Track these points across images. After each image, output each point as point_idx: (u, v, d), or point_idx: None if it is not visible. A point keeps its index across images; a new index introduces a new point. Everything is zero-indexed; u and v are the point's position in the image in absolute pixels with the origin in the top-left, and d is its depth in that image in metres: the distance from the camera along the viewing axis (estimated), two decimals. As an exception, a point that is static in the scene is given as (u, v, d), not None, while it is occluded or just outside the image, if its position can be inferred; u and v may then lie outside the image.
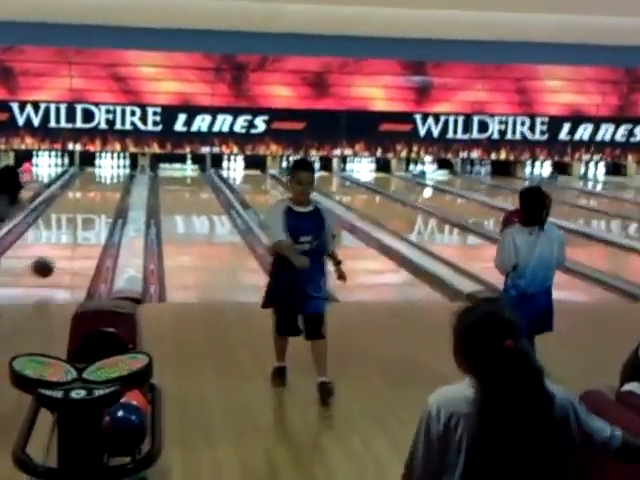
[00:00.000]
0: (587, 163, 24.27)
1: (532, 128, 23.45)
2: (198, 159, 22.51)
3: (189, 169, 22.48)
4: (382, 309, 8.29)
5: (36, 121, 21.30)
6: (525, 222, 5.34)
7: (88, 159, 22.01)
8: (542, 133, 23.52)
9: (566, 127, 23.50)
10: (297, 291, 5.31)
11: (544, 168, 24.09)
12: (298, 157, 19.51)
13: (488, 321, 2.37)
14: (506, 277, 5.46)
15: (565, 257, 5.56)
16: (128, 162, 22.18)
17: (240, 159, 22.74)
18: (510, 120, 23.32)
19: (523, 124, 23.39)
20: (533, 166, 24.10)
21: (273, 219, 5.40)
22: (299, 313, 5.43)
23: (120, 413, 3.61)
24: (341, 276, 5.62)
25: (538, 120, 23.38)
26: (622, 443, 2.47)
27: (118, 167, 22.12)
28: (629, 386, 2.89)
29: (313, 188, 5.52)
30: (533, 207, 5.31)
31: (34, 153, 21.72)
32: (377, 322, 7.70)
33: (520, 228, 5.38)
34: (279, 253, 5.36)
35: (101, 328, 4.08)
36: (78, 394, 3.16)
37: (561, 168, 23.84)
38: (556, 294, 5.62)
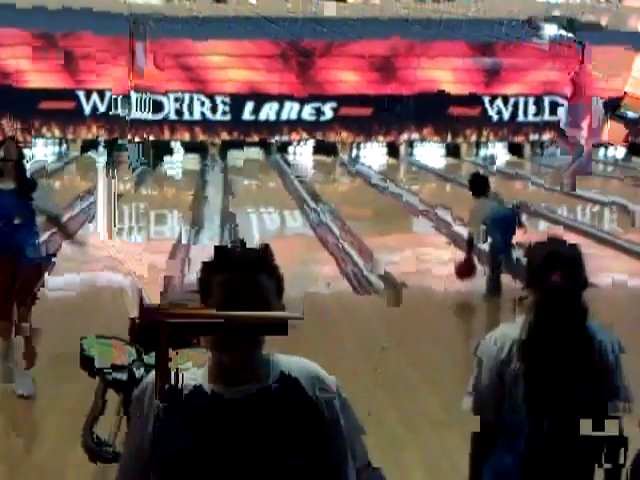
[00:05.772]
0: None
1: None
2: (264, 144, 22.42)
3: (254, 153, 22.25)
4: (450, 296, 8.21)
5: (103, 111, 21.50)
6: (478, 195, 8.60)
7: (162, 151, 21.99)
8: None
9: None
10: None
11: (618, 150, 23.48)
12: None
13: (543, 252, 2.53)
14: (484, 231, 8.26)
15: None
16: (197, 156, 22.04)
17: (309, 145, 22.60)
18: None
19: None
20: (607, 148, 23.52)
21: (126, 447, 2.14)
22: None
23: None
24: None
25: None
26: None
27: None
28: None
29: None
30: (481, 187, 8.62)
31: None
32: (445, 308, 7.63)
33: (477, 200, 8.58)
34: None
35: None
36: (142, 375, 3.20)
37: (635, 149, 23.21)
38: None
